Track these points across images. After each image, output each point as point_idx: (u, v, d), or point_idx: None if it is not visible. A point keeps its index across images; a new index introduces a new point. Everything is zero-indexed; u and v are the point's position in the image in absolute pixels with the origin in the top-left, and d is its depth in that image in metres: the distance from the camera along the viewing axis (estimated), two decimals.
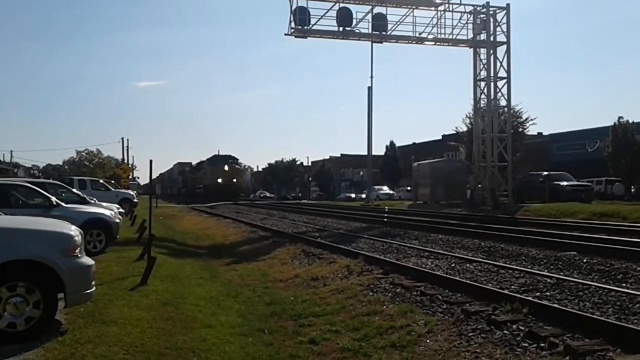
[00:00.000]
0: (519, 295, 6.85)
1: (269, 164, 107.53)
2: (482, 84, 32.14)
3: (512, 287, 7.93)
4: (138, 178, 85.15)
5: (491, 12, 31.30)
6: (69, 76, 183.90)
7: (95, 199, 18.38)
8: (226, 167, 57.86)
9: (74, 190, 17.86)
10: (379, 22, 29.88)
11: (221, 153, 63.75)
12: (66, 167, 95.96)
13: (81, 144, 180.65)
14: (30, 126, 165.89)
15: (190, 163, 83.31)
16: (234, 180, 58.10)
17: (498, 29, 31.45)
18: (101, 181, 33.69)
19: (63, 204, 12.72)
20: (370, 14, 29.71)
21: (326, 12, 28.94)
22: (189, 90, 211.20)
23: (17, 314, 5.54)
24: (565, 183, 31.55)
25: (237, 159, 61.46)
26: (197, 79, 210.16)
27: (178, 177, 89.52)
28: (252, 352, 5.73)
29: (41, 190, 12.74)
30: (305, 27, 29.04)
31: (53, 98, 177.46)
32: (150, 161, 11.05)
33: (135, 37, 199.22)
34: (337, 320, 7.03)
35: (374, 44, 30.85)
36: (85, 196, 16.73)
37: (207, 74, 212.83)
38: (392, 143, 69.86)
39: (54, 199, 12.55)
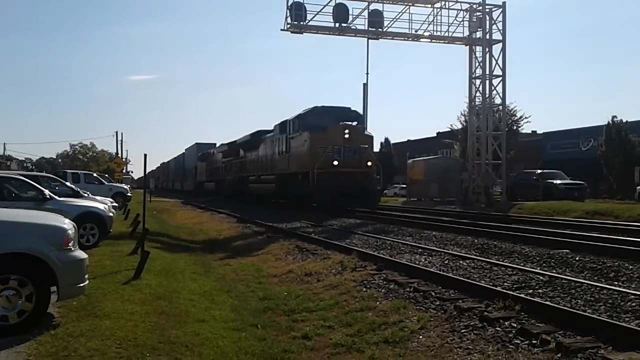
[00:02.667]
0: (511, 293, 6.88)
1: None
2: (478, 81, 32.18)
3: (505, 284, 7.96)
4: (132, 172, 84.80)
5: (487, 10, 31.33)
6: (63, 68, 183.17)
7: (88, 193, 18.34)
8: (347, 134, 24.51)
9: (68, 183, 17.83)
10: (375, 18, 29.86)
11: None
12: (60, 160, 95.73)
13: (75, 138, 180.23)
14: (24, 119, 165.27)
15: (214, 144, 56.25)
16: (369, 164, 24.91)
17: (494, 27, 31.48)
18: (95, 175, 33.59)
19: (56, 197, 12.69)
20: (366, 10, 29.70)
21: (322, 8, 28.88)
22: (182, 84, 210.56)
23: (10, 307, 5.53)
24: (558, 181, 31.67)
25: (361, 114, 27.66)
26: (191, 72, 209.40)
27: (198, 165, 57.38)
28: (245, 346, 5.73)
29: (34, 183, 12.70)
30: (302, 23, 28.98)
31: (47, 90, 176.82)
32: (145, 155, 10.92)
33: (129, 30, 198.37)
34: (331, 315, 7.04)
35: (370, 40, 30.78)
36: (78, 190, 16.70)
37: (201, 68, 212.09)
38: (386, 140, 69.75)
39: (47, 192, 12.51)
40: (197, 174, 58.20)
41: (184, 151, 70.13)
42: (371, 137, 26.35)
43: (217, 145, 52.03)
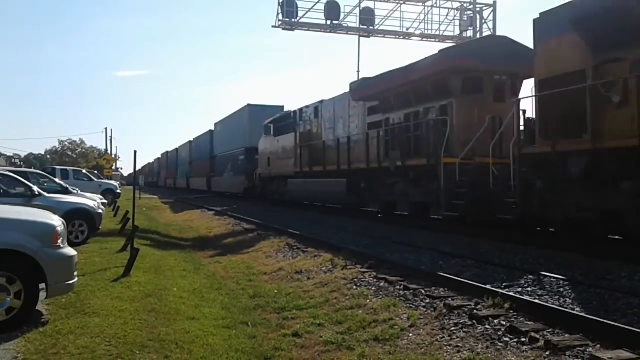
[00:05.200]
0: (500, 290, 6.91)
1: None
2: None
3: (495, 282, 8.00)
4: (121, 168, 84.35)
5: (477, 9, 31.47)
6: (52, 63, 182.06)
7: (77, 189, 18.23)
8: None
9: (56, 179, 17.73)
10: (367, 16, 29.97)
11: None
12: (48, 156, 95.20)
13: (64, 134, 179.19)
14: (12, 114, 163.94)
15: (281, 107, 33.68)
16: None
17: (484, 25, 31.64)
18: (84, 171, 33.42)
19: (45, 193, 12.61)
20: (357, 8, 29.79)
21: (314, 5, 28.94)
22: (173, 80, 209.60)
23: None
24: None
25: None
26: (182, 68, 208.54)
27: (262, 142, 30.36)
28: (235, 344, 5.72)
29: (23, 180, 12.61)
30: (293, 20, 29.02)
31: (35, 86, 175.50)
32: (135, 151, 10.93)
33: (118, 25, 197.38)
34: (321, 313, 7.04)
35: (361, 38, 30.93)
36: (67, 186, 16.59)
37: (191, 63, 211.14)
38: None
39: (35, 188, 12.43)
40: (265, 161, 29.85)
41: (213, 127, 45.09)
42: None
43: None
